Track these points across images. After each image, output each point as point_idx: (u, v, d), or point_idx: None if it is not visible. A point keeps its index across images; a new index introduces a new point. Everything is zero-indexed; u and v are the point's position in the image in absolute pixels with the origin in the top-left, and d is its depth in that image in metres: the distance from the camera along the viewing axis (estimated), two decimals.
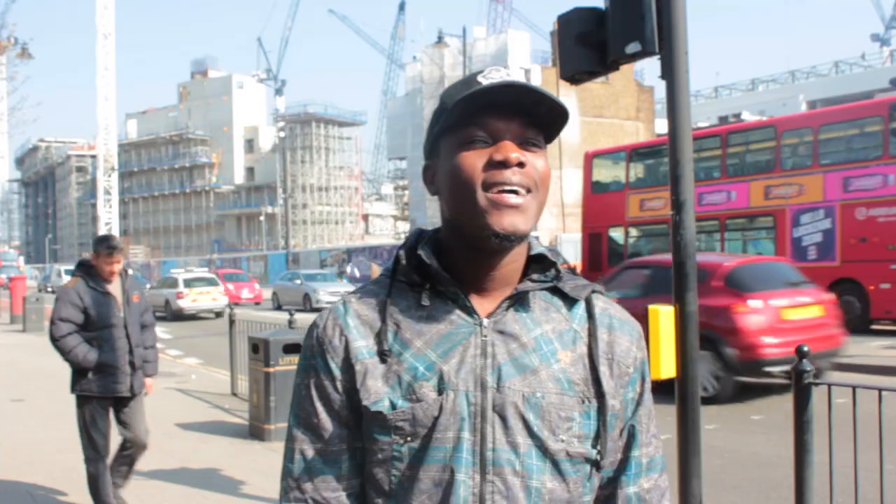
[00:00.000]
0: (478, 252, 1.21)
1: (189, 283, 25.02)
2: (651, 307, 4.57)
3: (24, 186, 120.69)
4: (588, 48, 4.20)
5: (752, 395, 9.42)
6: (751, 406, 8.82)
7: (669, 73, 3.91)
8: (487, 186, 1.16)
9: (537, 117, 1.19)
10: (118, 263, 5.11)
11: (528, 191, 1.18)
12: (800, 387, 3.85)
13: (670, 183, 4.00)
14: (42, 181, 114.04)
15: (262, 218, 71.44)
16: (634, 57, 4.04)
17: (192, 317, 24.99)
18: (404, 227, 69.18)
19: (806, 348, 3.90)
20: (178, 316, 24.73)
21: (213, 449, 7.35)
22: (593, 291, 1.29)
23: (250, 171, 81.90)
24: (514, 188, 1.16)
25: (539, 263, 1.26)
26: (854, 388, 3.77)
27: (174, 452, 7.24)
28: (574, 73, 4.32)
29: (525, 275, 1.26)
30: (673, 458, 3.96)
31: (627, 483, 1.28)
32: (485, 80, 1.18)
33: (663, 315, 4.38)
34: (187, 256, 70.55)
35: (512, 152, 1.16)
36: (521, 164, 1.17)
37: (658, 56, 3.95)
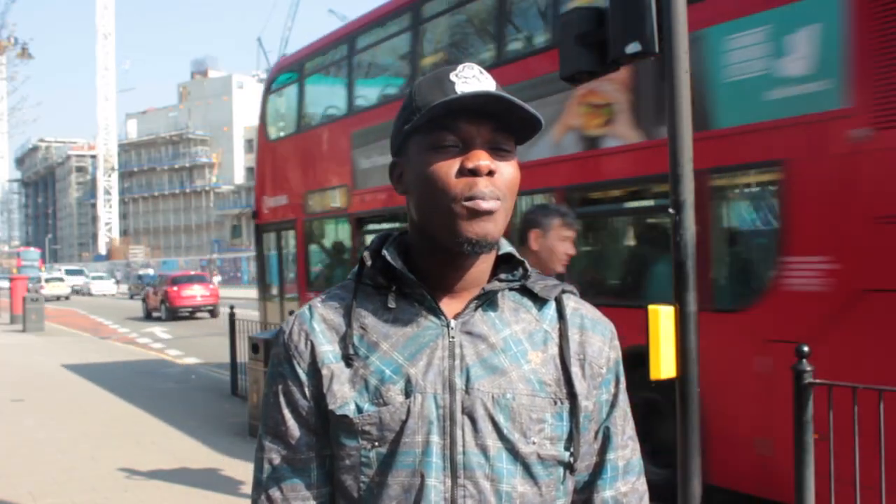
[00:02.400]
0: (446, 254, 1.19)
1: (48, 280, 44.88)
2: (651, 307, 4.56)
3: (24, 186, 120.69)
4: (588, 48, 4.19)
5: None
6: None
7: (669, 73, 3.91)
8: (459, 195, 1.15)
9: (508, 123, 1.18)
10: (571, 242, 3.43)
11: (498, 199, 1.16)
12: (800, 387, 3.85)
13: (671, 182, 3.97)
14: (42, 181, 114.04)
15: None
16: (634, 57, 4.03)
17: (56, 299, 42.56)
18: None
19: (806, 348, 3.90)
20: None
21: (213, 449, 7.36)
22: (563, 291, 1.27)
23: (250, 170, 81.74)
24: (485, 196, 1.15)
25: (508, 263, 1.25)
26: (854, 387, 3.77)
27: (174, 452, 7.25)
28: (574, 73, 4.31)
29: (494, 275, 1.24)
30: None
31: (604, 487, 1.26)
32: (457, 80, 1.17)
33: (663, 315, 4.38)
34: (187, 256, 70.57)
35: (483, 160, 1.15)
36: (490, 173, 1.15)
37: (658, 56, 3.95)
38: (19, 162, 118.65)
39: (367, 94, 9.18)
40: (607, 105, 5.97)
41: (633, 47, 3.93)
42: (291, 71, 10.53)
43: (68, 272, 56.11)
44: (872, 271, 4.35)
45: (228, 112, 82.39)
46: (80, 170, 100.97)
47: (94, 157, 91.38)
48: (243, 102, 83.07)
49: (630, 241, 6.79)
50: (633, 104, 5.80)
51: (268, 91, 11.02)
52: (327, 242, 9.89)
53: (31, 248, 72.38)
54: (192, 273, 29.56)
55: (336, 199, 9.17)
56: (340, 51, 9.34)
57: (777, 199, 5.02)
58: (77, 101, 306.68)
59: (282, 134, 10.85)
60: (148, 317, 26.73)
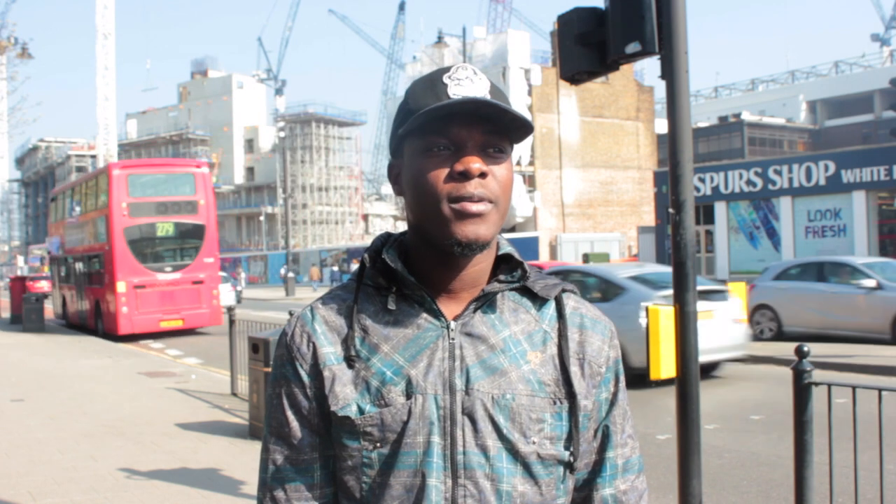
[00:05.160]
0: (442, 255, 1.20)
1: None
2: (651, 307, 4.57)
3: (24, 186, 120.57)
4: (588, 48, 4.20)
5: (752, 394, 9.43)
6: (751, 406, 8.82)
7: (669, 73, 3.91)
8: (450, 198, 1.16)
9: (500, 125, 1.18)
10: None
11: (490, 201, 1.17)
12: (800, 387, 3.85)
13: (670, 182, 3.98)
14: (42, 181, 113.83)
15: (262, 218, 71.39)
16: (634, 57, 4.04)
17: None
18: (404, 227, 68.94)
19: (806, 348, 3.90)
20: None
21: (213, 449, 7.35)
22: (563, 290, 1.27)
23: (250, 171, 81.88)
24: (473, 198, 1.16)
25: (507, 263, 1.26)
26: (854, 388, 3.78)
27: (174, 452, 7.24)
28: (574, 73, 4.32)
29: (493, 275, 1.25)
30: (673, 458, 3.96)
31: (603, 485, 1.27)
32: (450, 82, 1.18)
33: (663, 315, 4.38)
34: None
35: (474, 163, 1.15)
36: (482, 175, 1.16)
37: (658, 56, 3.95)
38: (19, 162, 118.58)
39: (69, 210, 22.37)
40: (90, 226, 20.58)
41: (632, 47, 3.94)
42: (56, 195, 25.38)
43: None
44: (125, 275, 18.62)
45: (228, 112, 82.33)
46: (80, 170, 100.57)
47: (94, 157, 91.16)
48: (243, 102, 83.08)
49: (91, 267, 20.44)
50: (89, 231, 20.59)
51: (50, 201, 26.39)
52: (67, 267, 22.96)
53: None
54: (43, 274, 43.76)
55: (63, 249, 23.28)
56: (61, 193, 24.34)
57: (105, 257, 19.06)
58: (77, 101, 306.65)
59: (53, 220, 25.14)
60: None
